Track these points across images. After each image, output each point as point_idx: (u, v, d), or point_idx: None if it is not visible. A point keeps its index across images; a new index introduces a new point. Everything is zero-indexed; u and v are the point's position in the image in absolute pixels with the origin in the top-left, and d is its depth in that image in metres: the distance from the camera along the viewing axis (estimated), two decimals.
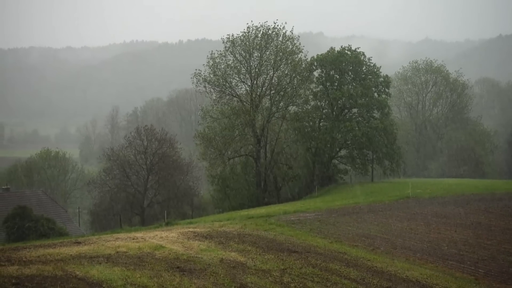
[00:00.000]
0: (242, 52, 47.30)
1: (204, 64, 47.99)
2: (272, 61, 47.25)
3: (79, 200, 71.70)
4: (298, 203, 37.04)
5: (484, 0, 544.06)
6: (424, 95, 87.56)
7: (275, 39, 47.28)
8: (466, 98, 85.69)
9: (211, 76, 47.28)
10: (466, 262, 17.70)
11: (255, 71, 47.31)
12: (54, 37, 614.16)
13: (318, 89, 51.53)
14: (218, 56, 47.36)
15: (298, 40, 48.39)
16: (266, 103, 48.77)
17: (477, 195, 34.09)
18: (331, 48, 52.54)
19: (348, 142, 51.18)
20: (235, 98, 48.59)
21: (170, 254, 13.58)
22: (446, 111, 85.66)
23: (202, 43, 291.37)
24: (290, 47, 47.58)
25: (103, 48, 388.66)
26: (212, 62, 47.27)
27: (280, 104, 48.70)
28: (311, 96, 51.14)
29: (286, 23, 47.84)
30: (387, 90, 52.91)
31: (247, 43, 46.94)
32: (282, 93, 48.09)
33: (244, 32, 47.26)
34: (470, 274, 16.30)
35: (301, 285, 12.56)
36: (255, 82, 47.65)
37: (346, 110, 51.97)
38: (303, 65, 48.59)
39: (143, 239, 15.58)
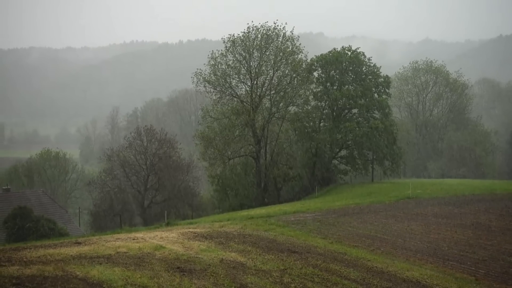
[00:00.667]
0: (242, 52, 47.30)
1: (204, 64, 48.00)
2: (272, 61, 47.24)
3: (79, 201, 71.68)
4: (298, 203, 37.03)
5: (484, 0, 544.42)
6: (424, 95, 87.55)
7: (275, 39, 47.27)
8: (466, 98, 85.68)
9: (212, 76, 47.28)
10: (466, 262, 17.70)
11: (255, 71, 47.31)
12: (54, 37, 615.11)
13: (318, 89, 51.51)
14: (219, 56, 47.36)
15: (298, 40, 48.36)
16: (266, 103, 48.78)
17: (477, 195, 34.09)
18: (334, 49, 52.54)
19: (349, 143, 51.18)
20: (235, 98, 48.60)
21: (170, 254, 13.59)
22: (446, 112, 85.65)
23: (202, 44, 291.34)
24: (290, 47, 47.57)
25: (103, 48, 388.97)
26: (213, 62, 47.29)
27: (280, 105, 48.68)
28: (311, 97, 51.12)
29: (286, 23, 47.93)
30: (387, 90, 52.94)
31: (247, 43, 46.95)
32: (282, 93, 48.07)
33: (245, 33, 47.30)
34: (470, 275, 16.30)
35: (301, 285, 12.56)
36: (255, 82, 47.65)
37: (346, 111, 51.97)
38: (303, 66, 48.59)
39: (143, 240, 15.59)
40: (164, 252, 13.73)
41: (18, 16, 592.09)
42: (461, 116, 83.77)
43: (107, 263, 11.79)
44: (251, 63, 47.50)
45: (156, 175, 51.93)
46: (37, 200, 43.12)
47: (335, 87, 50.68)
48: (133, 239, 15.61)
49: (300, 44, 48.27)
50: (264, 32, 46.99)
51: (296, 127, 49.41)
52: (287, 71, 47.95)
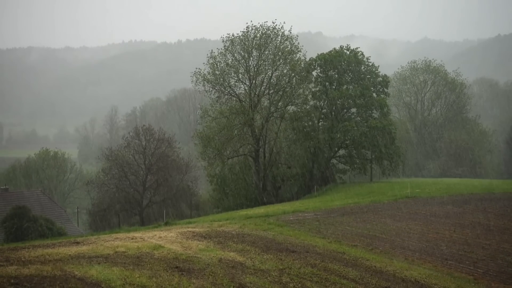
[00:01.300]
0: (241, 51, 47.30)
1: (204, 63, 48.00)
2: (271, 61, 47.24)
3: (78, 200, 71.66)
4: (297, 202, 37.03)
5: (482, 0, 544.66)
6: (422, 94, 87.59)
7: (274, 38, 47.27)
8: (464, 97, 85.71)
9: (211, 75, 47.26)
10: (464, 261, 17.72)
11: (254, 70, 47.32)
12: (53, 37, 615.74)
13: (317, 88, 51.54)
14: (218, 55, 47.35)
15: (296, 39, 48.39)
16: (265, 102, 48.77)
17: (475, 195, 34.13)
18: (334, 49, 52.53)
19: (347, 142, 51.20)
20: (234, 98, 48.59)
21: (169, 254, 13.57)
22: (444, 111, 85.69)
23: (201, 43, 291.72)
24: (289, 46, 47.57)
25: (102, 48, 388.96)
26: (212, 61, 47.27)
27: (279, 104, 48.68)
28: (310, 96, 51.14)
29: (284, 22, 47.99)
30: (385, 89, 53.02)
31: (246, 42, 46.95)
32: (281, 92, 48.06)
33: (244, 32, 47.30)
34: (469, 274, 16.31)
35: (300, 285, 12.55)
36: (253, 81, 47.66)
37: (345, 110, 52.00)
38: (302, 65, 48.60)
39: (142, 239, 15.57)
40: (162, 252, 13.71)
41: (17, 16, 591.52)
42: (460, 115, 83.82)
43: (105, 262, 11.77)
44: (250, 62, 47.51)
45: (154, 174, 51.92)
46: (35, 200, 43.11)
47: (334, 87, 50.70)
48: (132, 239, 15.59)
49: (298, 43, 48.31)
50: (263, 31, 47.01)
51: (295, 126, 49.40)
52: (285, 70, 47.95)
